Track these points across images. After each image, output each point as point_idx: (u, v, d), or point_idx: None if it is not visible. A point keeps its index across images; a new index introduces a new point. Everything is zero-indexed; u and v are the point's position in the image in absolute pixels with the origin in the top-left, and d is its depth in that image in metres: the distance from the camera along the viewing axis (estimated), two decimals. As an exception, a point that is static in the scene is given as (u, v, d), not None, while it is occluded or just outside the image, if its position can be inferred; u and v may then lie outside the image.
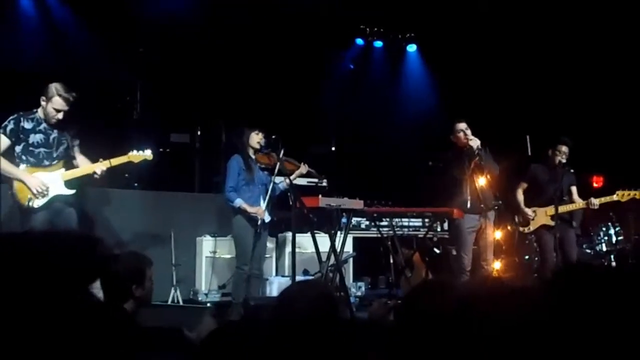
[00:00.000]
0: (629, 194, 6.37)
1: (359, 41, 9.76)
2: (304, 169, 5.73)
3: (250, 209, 5.55)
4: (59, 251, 0.99)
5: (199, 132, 8.33)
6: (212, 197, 7.49)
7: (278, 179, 5.61)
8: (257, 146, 5.64)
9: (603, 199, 6.46)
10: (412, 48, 9.96)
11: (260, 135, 5.64)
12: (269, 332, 1.89)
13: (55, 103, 4.88)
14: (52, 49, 7.43)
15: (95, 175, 5.06)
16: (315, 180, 6.29)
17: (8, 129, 4.89)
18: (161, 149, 8.33)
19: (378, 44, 9.87)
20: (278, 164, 5.37)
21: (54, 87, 4.88)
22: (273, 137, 5.49)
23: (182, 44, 8.03)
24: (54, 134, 5.01)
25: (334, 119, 9.20)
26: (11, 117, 4.93)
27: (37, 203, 4.86)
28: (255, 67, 8.35)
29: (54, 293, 0.95)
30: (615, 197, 6.40)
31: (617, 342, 1.52)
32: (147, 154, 5.28)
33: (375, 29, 9.70)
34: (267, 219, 5.72)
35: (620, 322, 1.57)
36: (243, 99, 8.12)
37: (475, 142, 5.73)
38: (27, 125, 4.94)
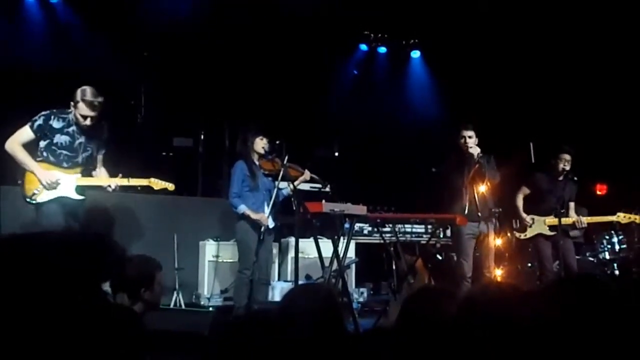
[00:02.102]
0: (630, 218, 6.41)
1: (363, 47, 9.78)
2: (307, 175, 5.73)
3: (254, 216, 5.56)
4: (71, 251, 1.00)
5: (202, 137, 8.34)
6: (215, 202, 7.50)
7: (282, 185, 5.62)
8: (262, 151, 5.65)
9: (604, 218, 6.52)
10: (415, 54, 9.98)
11: (265, 141, 5.66)
12: (273, 334, 1.89)
13: (80, 109, 4.79)
14: (56, 51, 7.46)
15: (109, 189, 4.99)
16: (319, 185, 6.29)
17: (36, 124, 4.81)
18: (164, 153, 8.37)
19: (382, 49, 9.89)
20: (282, 169, 5.37)
21: (79, 91, 4.79)
22: (277, 142, 5.50)
23: (187, 48, 8.06)
24: (81, 139, 4.92)
25: (338, 124, 9.21)
26: (43, 113, 4.85)
27: (41, 198, 4.78)
28: (260, 72, 8.37)
29: (67, 293, 0.96)
30: (615, 218, 6.47)
31: (617, 347, 1.52)
32: (169, 184, 5.26)
33: (379, 35, 9.72)
34: (272, 224, 5.72)
35: (621, 329, 1.57)
36: (247, 104, 8.13)
37: (475, 150, 5.75)
38: (57, 124, 4.85)
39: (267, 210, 5.59)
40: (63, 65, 7.20)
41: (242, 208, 5.57)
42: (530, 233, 6.48)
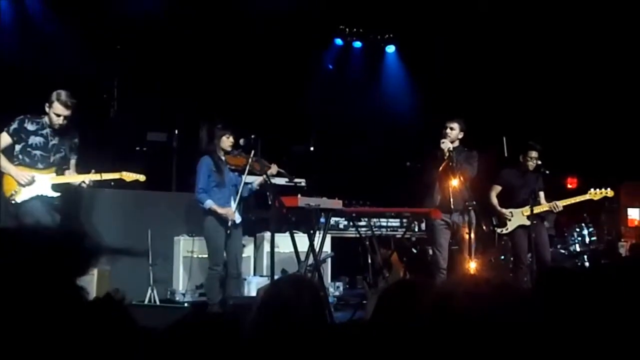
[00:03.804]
0: (601, 192, 6.49)
1: (338, 41, 9.78)
2: (274, 169, 5.69)
3: (220, 210, 5.57)
4: (47, 246, 0.99)
5: (176, 131, 8.26)
6: (189, 197, 7.40)
7: (249, 179, 5.63)
8: (228, 149, 5.66)
9: (577, 198, 6.56)
10: (390, 49, 10.02)
11: (231, 138, 5.66)
12: (259, 328, 1.90)
13: (55, 108, 5.06)
14: (27, 45, 7.32)
15: (83, 185, 5.25)
16: (288, 180, 6.29)
17: (12, 128, 5.09)
18: (138, 148, 8.27)
19: (357, 44, 9.90)
20: (248, 165, 5.37)
21: (55, 93, 5.08)
22: (252, 136, 5.47)
23: (161, 42, 7.98)
24: (54, 140, 5.19)
25: (314, 119, 9.20)
26: (18, 118, 5.13)
27: (20, 197, 5.02)
28: (235, 67, 8.32)
29: (44, 288, 0.94)
30: (587, 196, 6.52)
31: (593, 339, 1.55)
32: (140, 176, 5.49)
33: (355, 30, 9.73)
34: (238, 219, 5.74)
35: (595, 320, 1.60)
36: (222, 98, 8.08)
37: (445, 145, 5.80)
38: (31, 127, 5.13)
39: (233, 205, 5.58)
40: (34, 60, 7.08)
41: (209, 203, 5.58)
42: (511, 226, 6.53)
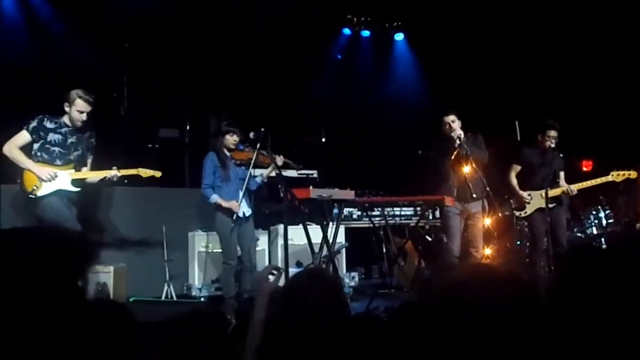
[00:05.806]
0: (624, 174, 6.32)
1: (346, 31, 9.74)
2: (279, 161, 5.67)
3: (225, 204, 5.61)
4: (48, 247, 0.99)
5: (188, 127, 8.29)
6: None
7: (258, 172, 5.64)
8: (232, 147, 5.69)
9: (599, 180, 6.38)
10: (399, 37, 9.96)
11: (235, 137, 5.68)
12: (276, 321, 1.90)
13: (78, 105, 5.15)
14: (37, 45, 7.36)
15: (110, 177, 5.32)
16: (295, 169, 6.29)
17: (31, 126, 5.16)
18: (150, 145, 8.31)
19: (365, 33, 9.85)
20: (254, 158, 5.38)
21: (74, 92, 5.17)
22: (262, 129, 5.47)
23: (170, 38, 7.98)
24: (72, 138, 5.28)
25: (324, 109, 9.18)
26: (37, 117, 5.21)
27: (41, 192, 5.09)
28: (244, 60, 8.31)
29: (44, 288, 0.95)
30: (610, 178, 6.33)
31: (606, 328, 1.53)
32: (157, 172, 5.55)
33: (362, 19, 9.68)
34: (248, 212, 5.75)
35: (611, 308, 1.57)
36: (232, 92, 8.08)
37: (456, 133, 5.73)
38: (49, 125, 5.21)
39: (240, 198, 5.60)
40: (44, 59, 7.12)
41: (214, 197, 5.63)
42: (530, 210, 6.40)
